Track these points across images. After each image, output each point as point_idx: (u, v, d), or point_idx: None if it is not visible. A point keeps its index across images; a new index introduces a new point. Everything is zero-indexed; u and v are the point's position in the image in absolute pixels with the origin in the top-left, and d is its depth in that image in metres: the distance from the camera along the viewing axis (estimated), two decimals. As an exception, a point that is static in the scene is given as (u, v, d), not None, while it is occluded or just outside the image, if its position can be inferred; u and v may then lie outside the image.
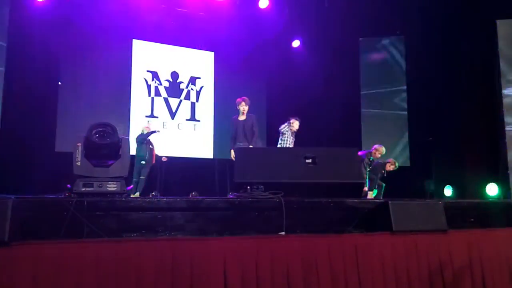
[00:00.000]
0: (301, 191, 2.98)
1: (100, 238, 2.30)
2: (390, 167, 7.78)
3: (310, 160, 3.21)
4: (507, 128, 7.18)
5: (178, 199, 2.60)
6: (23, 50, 7.89)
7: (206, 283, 2.23)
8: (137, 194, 7.70)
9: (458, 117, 8.11)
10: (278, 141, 7.44)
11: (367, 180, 7.35)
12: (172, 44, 10.16)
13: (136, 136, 8.16)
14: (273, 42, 10.50)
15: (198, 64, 10.43)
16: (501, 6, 7.43)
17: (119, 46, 9.47)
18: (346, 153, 3.43)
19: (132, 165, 7.67)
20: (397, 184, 7.70)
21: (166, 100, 9.93)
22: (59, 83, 8.79)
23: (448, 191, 8.22)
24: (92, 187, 2.55)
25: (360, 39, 10.18)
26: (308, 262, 2.44)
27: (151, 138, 8.21)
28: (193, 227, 2.56)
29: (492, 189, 7.31)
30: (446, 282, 2.72)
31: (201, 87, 10.39)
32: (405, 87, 9.78)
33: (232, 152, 6.65)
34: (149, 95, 9.80)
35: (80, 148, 2.58)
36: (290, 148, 7.06)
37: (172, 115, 9.95)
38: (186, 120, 10.09)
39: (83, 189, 2.53)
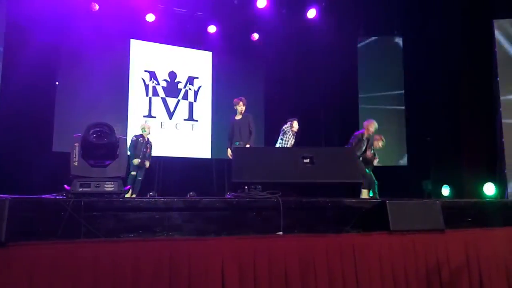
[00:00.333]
0: (299, 191, 2.98)
1: (98, 238, 2.30)
2: (378, 144, 7.26)
3: (308, 160, 3.21)
4: (505, 128, 7.19)
5: (175, 199, 2.60)
6: (20, 50, 7.87)
7: (204, 283, 2.23)
8: (132, 195, 7.63)
9: (456, 117, 8.11)
10: (277, 140, 7.48)
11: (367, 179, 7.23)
12: (170, 44, 10.16)
13: (133, 136, 8.12)
14: (271, 41, 10.51)
15: (196, 64, 10.43)
16: (498, 6, 7.45)
17: (117, 46, 9.46)
18: (344, 153, 3.43)
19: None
20: (394, 183, 7.71)
21: (164, 100, 9.93)
22: (57, 83, 8.77)
23: (445, 190, 8.23)
24: (89, 187, 2.54)
25: (359, 39, 10.19)
26: (306, 261, 2.44)
27: (150, 138, 8.19)
28: (190, 227, 2.56)
29: (489, 189, 7.32)
30: (443, 282, 2.73)
31: (199, 87, 10.39)
32: (403, 87, 9.78)
33: (229, 150, 6.80)
34: (147, 95, 9.79)
35: (77, 148, 2.57)
36: (288, 148, 7.10)
37: (170, 115, 9.94)
38: (184, 120, 10.08)
39: (80, 189, 2.53)
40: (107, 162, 2.65)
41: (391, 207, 2.76)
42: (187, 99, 10.19)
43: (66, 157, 2.66)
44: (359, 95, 10.00)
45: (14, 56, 7.77)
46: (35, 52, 7.99)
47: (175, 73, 10.15)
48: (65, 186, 2.56)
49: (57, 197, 2.54)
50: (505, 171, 7.03)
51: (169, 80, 10.07)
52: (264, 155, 3.44)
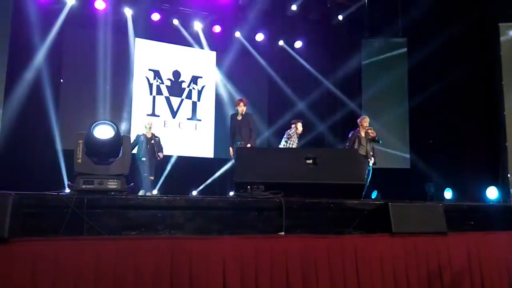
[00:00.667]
0: (301, 192, 2.98)
1: (100, 235, 2.30)
2: (371, 132, 7.42)
3: (310, 161, 3.21)
4: (508, 131, 7.18)
5: (178, 198, 2.60)
6: (25, 47, 7.90)
7: (205, 282, 2.23)
8: (141, 192, 7.72)
9: (459, 120, 8.10)
10: (281, 141, 7.53)
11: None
12: (174, 43, 10.17)
13: (137, 134, 8.17)
14: (275, 42, 10.51)
15: (200, 64, 10.44)
16: (504, 9, 7.43)
17: (122, 44, 9.48)
18: (347, 154, 3.43)
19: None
20: (397, 186, 7.70)
21: (167, 99, 9.95)
22: (61, 80, 8.80)
23: (448, 194, 8.22)
24: (93, 184, 2.55)
25: (362, 40, 10.17)
26: (308, 262, 2.44)
27: (156, 133, 8.27)
28: (192, 226, 2.56)
29: (492, 193, 7.30)
30: (445, 285, 2.72)
31: (203, 87, 10.40)
32: (406, 89, 9.76)
33: (231, 149, 6.91)
34: (151, 94, 9.82)
35: (81, 145, 2.58)
36: (291, 148, 7.14)
37: (174, 114, 9.96)
38: (187, 119, 10.10)
39: (84, 186, 2.53)
40: (111, 160, 2.66)
41: (393, 209, 2.75)
42: (190, 99, 10.21)
43: (70, 154, 2.67)
44: (363, 97, 9.99)
45: (19, 54, 7.80)
46: (40, 50, 8.03)
47: (179, 72, 10.16)
48: (69, 182, 2.57)
49: (60, 193, 2.55)
50: (508, 175, 7.02)
51: (173, 79, 10.08)
52: (267, 155, 3.45)
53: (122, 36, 9.43)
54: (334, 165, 3.25)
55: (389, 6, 9.40)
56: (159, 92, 9.89)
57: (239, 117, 6.97)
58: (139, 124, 9.02)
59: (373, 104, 9.84)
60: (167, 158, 9.17)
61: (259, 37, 10.38)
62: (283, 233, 2.63)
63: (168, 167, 9.36)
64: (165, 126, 9.76)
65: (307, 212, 2.83)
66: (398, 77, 9.82)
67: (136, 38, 9.77)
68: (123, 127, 9.09)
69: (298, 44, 10.79)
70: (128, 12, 9.34)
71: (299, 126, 7.42)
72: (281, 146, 7.48)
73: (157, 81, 9.91)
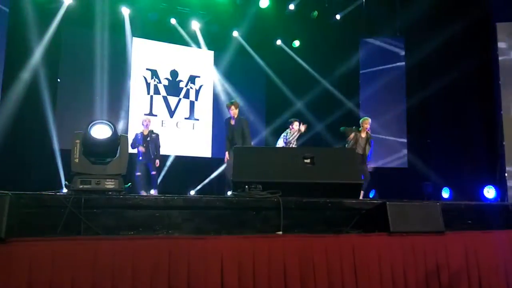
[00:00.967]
0: (299, 191, 2.97)
1: (97, 235, 2.30)
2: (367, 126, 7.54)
3: (308, 160, 3.21)
4: (505, 131, 7.19)
5: (175, 198, 2.59)
6: (22, 47, 7.88)
7: (203, 282, 2.23)
8: (152, 191, 7.74)
9: (457, 119, 8.11)
10: (278, 139, 7.53)
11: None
12: (172, 43, 10.16)
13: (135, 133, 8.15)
14: (273, 41, 10.50)
15: (198, 63, 10.43)
16: (501, 9, 7.44)
17: (119, 44, 9.46)
18: (345, 153, 3.43)
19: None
20: (395, 185, 7.71)
21: (165, 98, 9.93)
22: (58, 80, 8.78)
23: (445, 193, 8.23)
24: (90, 184, 2.54)
25: (360, 39, 10.18)
26: (305, 262, 2.44)
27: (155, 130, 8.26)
28: (190, 225, 2.55)
29: (489, 192, 7.32)
30: (442, 284, 2.72)
31: (201, 86, 10.39)
32: (404, 88, 9.77)
33: (227, 154, 6.90)
34: (148, 93, 9.80)
35: (78, 145, 2.57)
36: (289, 148, 7.14)
37: (171, 113, 9.95)
38: (185, 118, 10.09)
39: (81, 186, 2.53)
40: (108, 160, 2.65)
41: (391, 209, 2.75)
42: (188, 98, 10.20)
43: (67, 154, 2.66)
44: (361, 96, 10.00)
45: (16, 53, 7.77)
46: (37, 49, 8.00)
47: (177, 72, 10.15)
48: (66, 183, 2.56)
49: (58, 193, 2.54)
50: (505, 174, 7.04)
51: (170, 78, 10.07)
52: (265, 154, 3.44)
53: (120, 35, 9.41)
54: (331, 165, 3.25)
55: (387, 5, 9.40)
56: (157, 91, 9.88)
57: (232, 122, 7.00)
58: (136, 123, 9.01)
59: (371, 104, 9.85)
60: (165, 157, 9.15)
61: (257, 36, 10.37)
62: (281, 232, 2.63)
63: (166, 167, 9.34)
64: (162, 125, 9.74)
65: (305, 212, 2.83)
66: (396, 77, 9.84)
67: (134, 38, 9.76)
68: (120, 126, 9.07)
69: (297, 43, 10.80)
70: (125, 11, 9.32)
71: (295, 126, 7.42)
72: (279, 142, 7.50)
73: (154, 80, 9.89)
